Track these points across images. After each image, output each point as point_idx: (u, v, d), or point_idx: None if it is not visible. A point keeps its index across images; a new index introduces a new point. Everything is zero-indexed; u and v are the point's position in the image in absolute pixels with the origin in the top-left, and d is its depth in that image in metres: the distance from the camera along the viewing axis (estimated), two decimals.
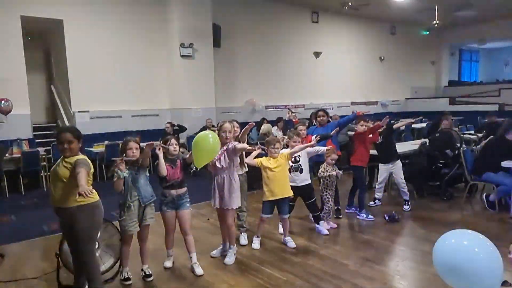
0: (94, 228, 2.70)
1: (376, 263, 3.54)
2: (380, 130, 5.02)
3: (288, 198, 3.95)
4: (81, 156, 2.63)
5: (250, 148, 3.50)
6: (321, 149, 4.17)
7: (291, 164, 4.07)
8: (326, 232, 4.26)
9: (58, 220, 2.74)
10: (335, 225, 4.46)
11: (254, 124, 3.65)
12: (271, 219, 4.51)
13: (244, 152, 3.94)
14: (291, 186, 4.07)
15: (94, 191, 2.63)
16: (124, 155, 3.10)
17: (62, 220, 2.71)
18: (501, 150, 4.92)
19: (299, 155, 4.07)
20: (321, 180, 4.43)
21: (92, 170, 2.65)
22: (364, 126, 4.79)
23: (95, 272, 2.74)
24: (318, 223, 4.31)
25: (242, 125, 3.98)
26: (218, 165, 3.47)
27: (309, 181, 4.19)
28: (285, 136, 4.71)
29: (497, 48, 19.74)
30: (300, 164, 4.10)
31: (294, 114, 6.22)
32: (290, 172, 4.08)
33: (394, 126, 5.29)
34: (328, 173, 4.37)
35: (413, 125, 10.04)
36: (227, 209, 3.54)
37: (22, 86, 7.64)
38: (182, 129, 8.50)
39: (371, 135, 4.98)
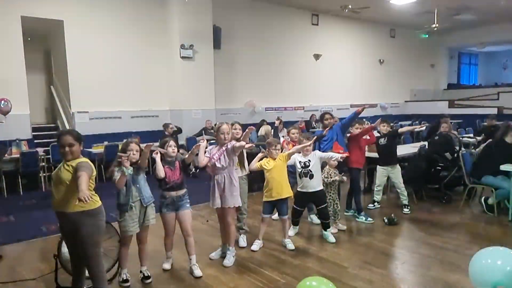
0: (99, 233, 2.66)
1: (375, 266, 3.53)
2: (385, 132, 5.05)
3: (287, 199, 3.95)
4: (83, 159, 2.58)
5: (249, 146, 3.51)
6: (335, 156, 4.06)
7: (300, 169, 4.02)
8: (333, 240, 4.13)
9: (58, 223, 2.69)
10: (336, 230, 4.42)
11: (254, 128, 3.68)
12: (271, 222, 4.56)
13: (246, 156, 3.95)
14: (301, 192, 4.07)
15: (96, 196, 2.61)
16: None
17: (64, 225, 2.64)
18: (500, 153, 4.93)
19: (309, 160, 4.00)
20: (323, 184, 4.40)
21: (95, 173, 2.60)
22: (358, 129, 4.81)
23: (101, 275, 2.70)
24: (326, 230, 4.20)
25: (243, 126, 3.99)
26: (218, 165, 3.47)
27: (321, 187, 4.08)
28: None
29: (496, 51, 19.81)
30: (310, 170, 3.98)
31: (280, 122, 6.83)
32: (300, 177, 4.05)
33: (399, 131, 5.32)
34: (332, 179, 4.35)
35: None
36: (228, 208, 3.54)
37: (22, 86, 7.64)
38: (179, 130, 8.52)
39: (368, 137, 4.99)
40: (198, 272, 3.39)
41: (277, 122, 7.44)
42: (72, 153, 2.55)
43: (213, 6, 9.65)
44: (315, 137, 4.35)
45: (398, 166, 5.13)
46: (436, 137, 5.75)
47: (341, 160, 4.14)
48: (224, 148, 3.48)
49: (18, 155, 6.80)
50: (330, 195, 4.40)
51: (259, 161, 3.85)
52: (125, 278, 3.26)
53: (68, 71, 8.28)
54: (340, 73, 13.62)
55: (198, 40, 9.37)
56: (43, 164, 7.15)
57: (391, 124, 5.80)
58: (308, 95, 12.66)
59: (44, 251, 4.08)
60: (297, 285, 2.42)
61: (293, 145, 4.39)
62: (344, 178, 4.47)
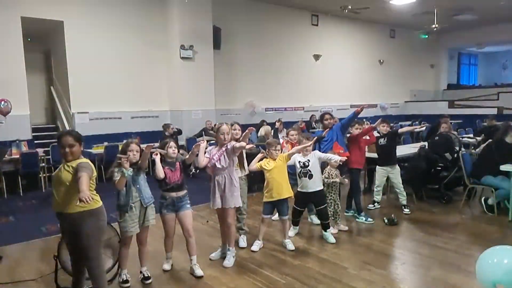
0: (100, 234, 2.66)
1: (375, 266, 3.53)
2: (384, 132, 5.06)
3: (287, 199, 3.94)
4: (83, 160, 2.57)
5: (249, 147, 3.52)
6: (334, 158, 4.04)
7: (299, 169, 4.02)
8: (333, 240, 4.13)
9: (59, 224, 2.68)
10: (336, 231, 4.41)
11: (254, 129, 3.68)
12: (271, 223, 4.56)
13: (245, 156, 3.96)
14: (301, 192, 4.06)
15: (97, 196, 2.60)
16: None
17: (65, 226, 2.64)
18: (500, 153, 4.93)
19: (308, 160, 3.99)
20: (324, 185, 4.39)
21: (95, 174, 2.60)
22: (358, 129, 4.82)
23: (102, 276, 2.70)
24: (326, 231, 4.20)
25: (243, 127, 3.99)
26: (218, 165, 3.47)
27: (320, 187, 4.08)
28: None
29: (496, 51, 19.83)
30: (309, 170, 3.97)
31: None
32: (299, 177, 4.05)
33: (399, 131, 5.33)
34: (332, 180, 4.35)
35: None
36: (229, 208, 3.54)
37: (22, 87, 7.63)
38: (179, 132, 8.53)
39: (368, 137, 4.99)
40: (199, 271, 3.39)
41: (277, 124, 7.45)
42: (72, 153, 2.54)
43: (213, 6, 9.65)
44: (315, 137, 4.35)
45: (397, 167, 5.14)
46: (436, 137, 5.75)
47: (341, 163, 4.13)
48: (224, 148, 3.48)
49: (18, 156, 6.80)
50: (331, 196, 4.40)
51: (258, 161, 3.85)
52: (125, 279, 3.26)
53: (68, 72, 8.28)
54: (340, 73, 13.62)
55: (198, 41, 9.37)
56: (43, 164, 7.14)
57: (391, 124, 5.81)
58: (308, 95, 12.66)
59: (44, 251, 4.08)
60: None
61: (292, 146, 4.39)
62: (346, 180, 4.46)
